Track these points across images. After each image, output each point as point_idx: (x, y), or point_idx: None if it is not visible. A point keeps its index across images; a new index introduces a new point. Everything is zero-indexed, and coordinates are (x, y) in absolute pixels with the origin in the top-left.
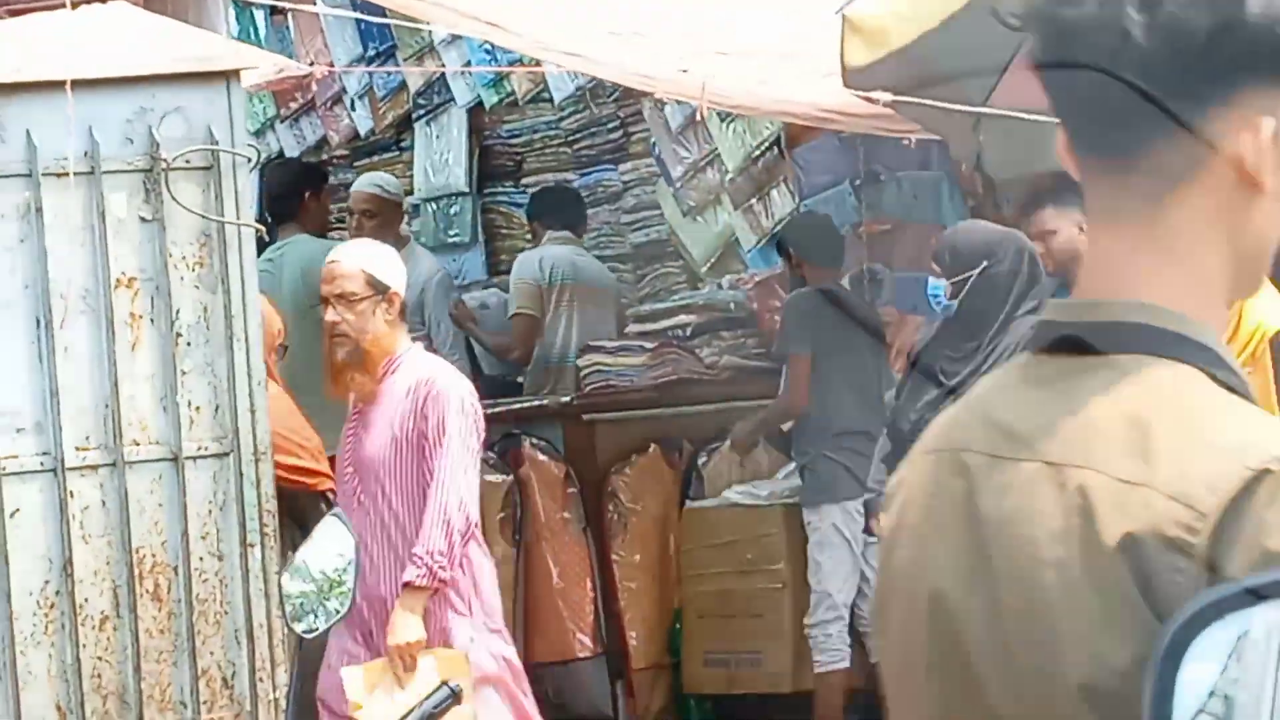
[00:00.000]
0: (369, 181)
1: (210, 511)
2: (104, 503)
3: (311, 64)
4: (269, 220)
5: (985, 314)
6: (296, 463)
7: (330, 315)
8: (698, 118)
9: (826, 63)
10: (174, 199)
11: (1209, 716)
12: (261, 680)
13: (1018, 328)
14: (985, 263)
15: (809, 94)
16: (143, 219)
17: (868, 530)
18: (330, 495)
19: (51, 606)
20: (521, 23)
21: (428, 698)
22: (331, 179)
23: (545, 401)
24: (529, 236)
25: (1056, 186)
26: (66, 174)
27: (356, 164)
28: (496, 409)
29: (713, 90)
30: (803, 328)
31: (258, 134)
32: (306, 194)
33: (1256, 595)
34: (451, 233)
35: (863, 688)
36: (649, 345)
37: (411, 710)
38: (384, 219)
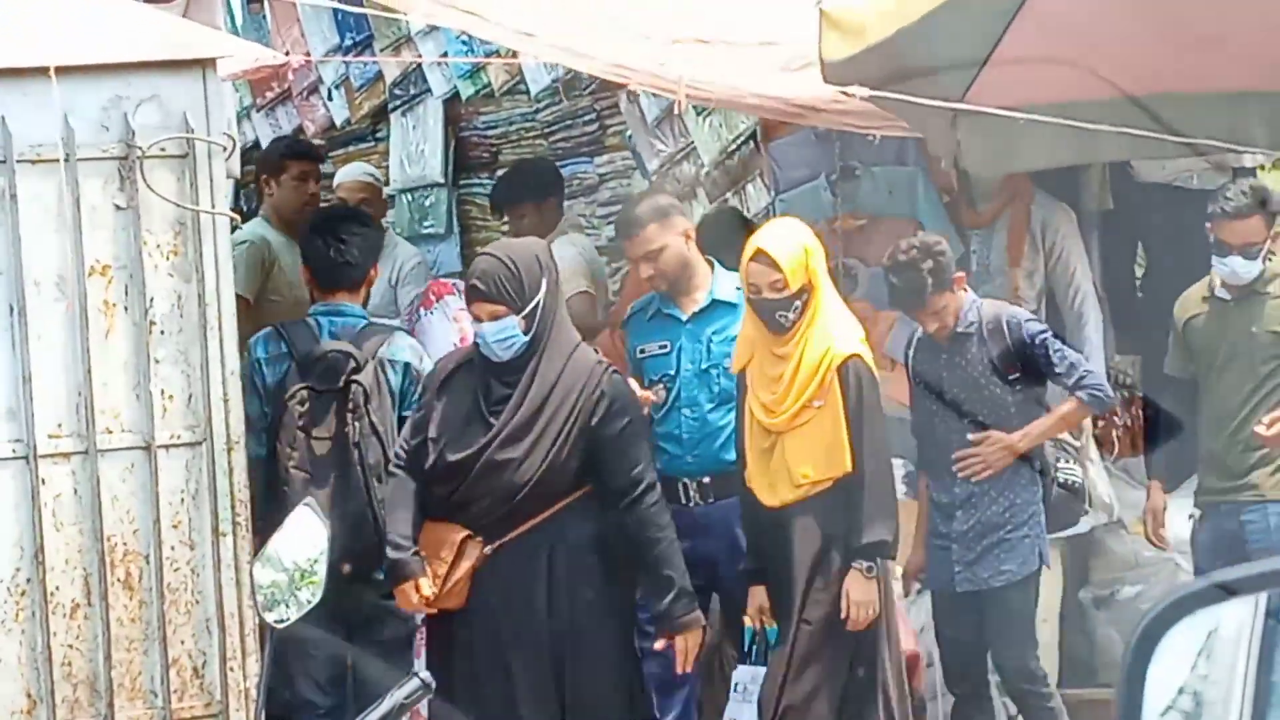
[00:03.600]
0: (360, 170)
1: (182, 500)
2: (76, 490)
3: (288, 53)
4: (244, 210)
5: None
6: None
7: None
8: (676, 110)
9: (801, 57)
10: (149, 187)
11: (1178, 714)
12: (232, 670)
13: None
14: None
15: (783, 88)
16: (117, 207)
17: None
18: None
19: (22, 594)
20: (500, 13)
21: (399, 688)
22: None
23: None
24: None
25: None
26: (42, 161)
27: (332, 154)
28: None
29: (691, 83)
30: None
31: None
32: None
33: (1226, 591)
34: (426, 224)
35: None
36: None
37: (382, 701)
38: (376, 208)
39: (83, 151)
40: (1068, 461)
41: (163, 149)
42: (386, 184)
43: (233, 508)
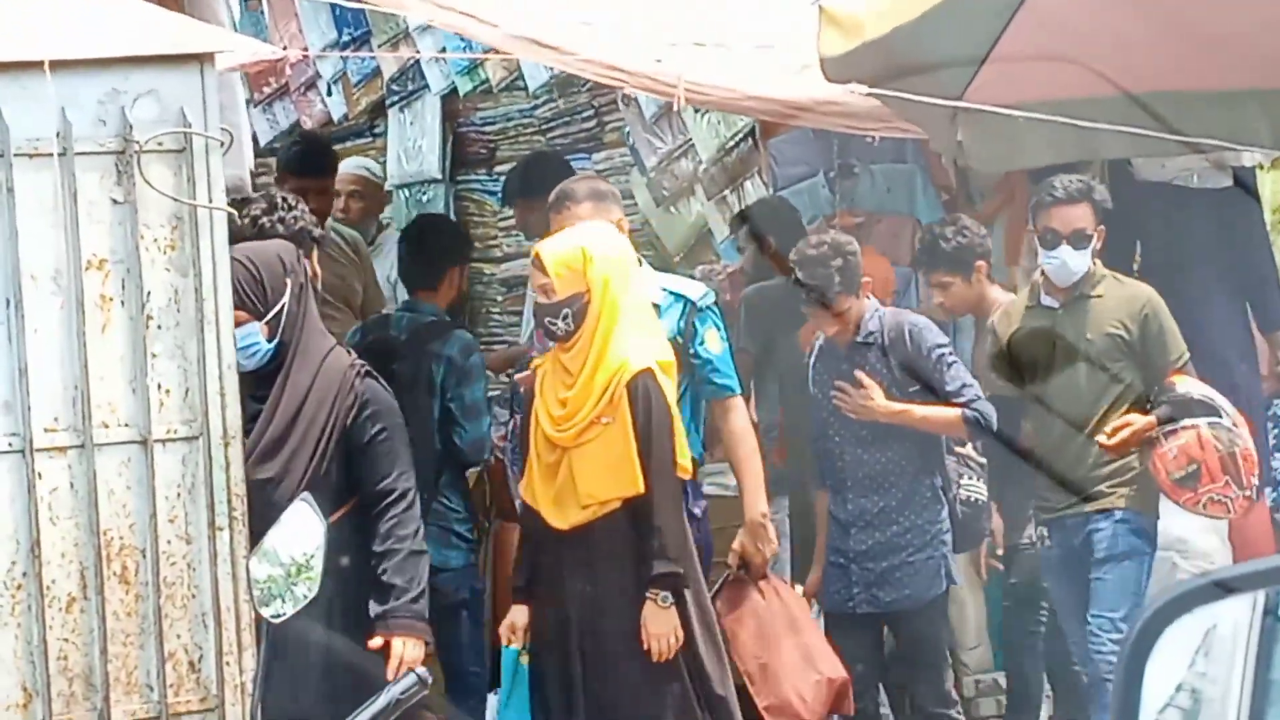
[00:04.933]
0: (355, 164)
1: (179, 494)
2: (72, 484)
3: (285, 48)
4: None
5: None
6: None
7: None
8: (674, 108)
9: (797, 61)
10: (146, 181)
11: (1176, 711)
12: (228, 664)
13: None
14: None
15: (778, 89)
16: (114, 201)
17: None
18: None
19: (18, 588)
20: (495, 14)
21: (395, 684)
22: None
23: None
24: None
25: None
26: (38, 155)
27: None
28: None
29: (687, 83)
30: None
31: None
32: None
33: (1224, 589)
34: None
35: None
36: None
37: (378, 697)
38: (370, 202)
39: (80, 146)
40: (971, 478)
41: (160, 143)
42: (384, 180)
43: (229, 502)
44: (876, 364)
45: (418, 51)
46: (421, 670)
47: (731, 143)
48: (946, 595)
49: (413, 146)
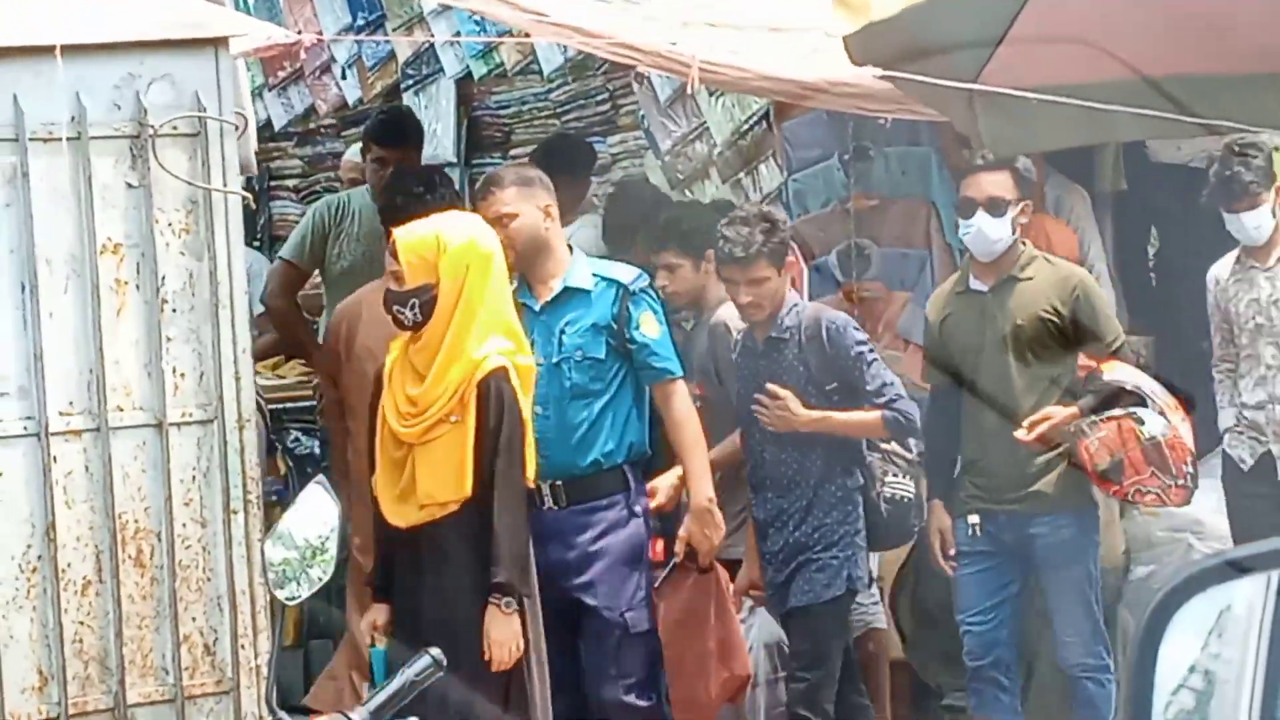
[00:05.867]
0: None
1: (194, 478)
2: (87, 468)
3: (300, 32)
4: (255, 188)
5: None
6: None
7: None
8: (688, 90)
9: (810, 41)
10: (161, 165)
11: (1190, 692)
12: (243, 647)
13: None
14: None
15: (790, 70)
16: (129, 185)
17: None
18: None
19: (34, 571)
20: None
21: (409, 665)
22: (319, 148)
23: None
24: None
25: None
26: (53, 139)
27: (344, 134)
28: None
29: (702, 64)
30: None
31: None
32: None
33: (1238, 569)
34: None
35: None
36: None
37: (393, 679)
38: None
39: (95, 130)
40: (898, 475)
41: (175, 127)
42: None
43: (244, 485)
44: (794, 360)
45: (433, 35)
46: (435, 651)
47: (746, 126)
48: (845, 600)
49: (428, 130)
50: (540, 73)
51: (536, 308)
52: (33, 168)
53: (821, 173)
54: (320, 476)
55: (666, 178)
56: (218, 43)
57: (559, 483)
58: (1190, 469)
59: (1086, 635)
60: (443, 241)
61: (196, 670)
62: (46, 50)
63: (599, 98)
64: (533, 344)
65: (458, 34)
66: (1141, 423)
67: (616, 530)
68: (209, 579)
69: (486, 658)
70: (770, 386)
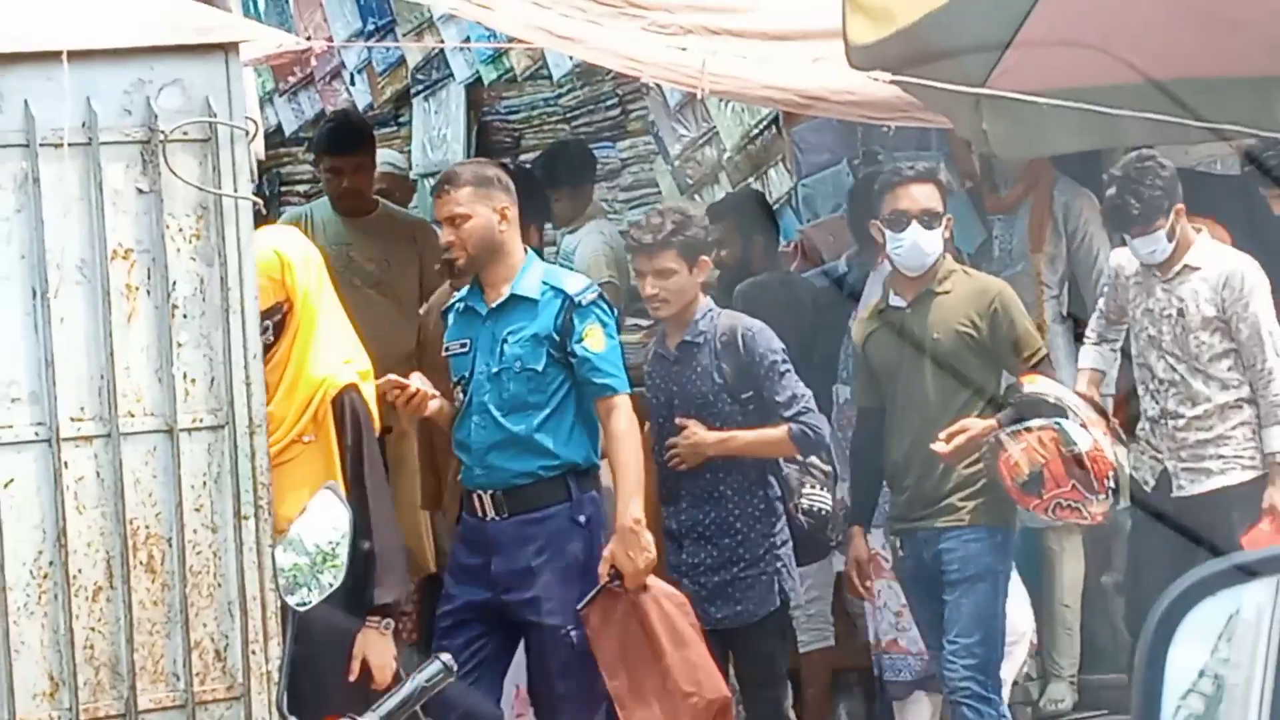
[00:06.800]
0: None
1: (205, 483)
2: (98, 474)
3: (310, 38)
4: (265, 194)
5: None
6: None
7: None
8: (699, 96)
9: (812, 49)
10: (171, 171)
11: (1199, 696)
12: (254, 653)
13: None
14: None
15: (792, 79)
16: (140, 190)
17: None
18: None
19: (45, 577)
20: (515, 4)
21: (420, 671)
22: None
23: None
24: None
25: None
26: (63, 145)
27: None
28: None
29: (709, 72)
30: None
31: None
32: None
33: (1247, 573)
34: None
35: (847, 666)
36: (644, 324)
37: (403, 685)
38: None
39: (105, 136)
40: (814, 486)
41: (185, 133)
42: (409, 170)
43: (255, 491)
44: (708, 366)
45: (442, 41)
46: (446, 657)
47: (755, 130)
48: (782, 612)
49: (437, 136)
50: (550, 78)
51: (484, 313)
52: (43, 173)
53: (830, 177)
54: (331, 483)
55: (676, 183)
56: (228, 48)
57: (499, 493)
58: (1112, 484)
59: (977, 660)
60: (284, 258)
61: (207, 676)
62: (56, 56)
63: (609, 103)
64: (476, 351)
65: (467, 39)
66: (1063, 434)
67: (559, 541)
68: (220, 585)
69: (354, 679)
70: (678, 421)
